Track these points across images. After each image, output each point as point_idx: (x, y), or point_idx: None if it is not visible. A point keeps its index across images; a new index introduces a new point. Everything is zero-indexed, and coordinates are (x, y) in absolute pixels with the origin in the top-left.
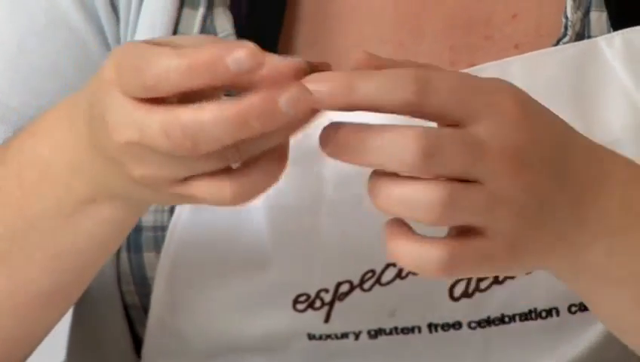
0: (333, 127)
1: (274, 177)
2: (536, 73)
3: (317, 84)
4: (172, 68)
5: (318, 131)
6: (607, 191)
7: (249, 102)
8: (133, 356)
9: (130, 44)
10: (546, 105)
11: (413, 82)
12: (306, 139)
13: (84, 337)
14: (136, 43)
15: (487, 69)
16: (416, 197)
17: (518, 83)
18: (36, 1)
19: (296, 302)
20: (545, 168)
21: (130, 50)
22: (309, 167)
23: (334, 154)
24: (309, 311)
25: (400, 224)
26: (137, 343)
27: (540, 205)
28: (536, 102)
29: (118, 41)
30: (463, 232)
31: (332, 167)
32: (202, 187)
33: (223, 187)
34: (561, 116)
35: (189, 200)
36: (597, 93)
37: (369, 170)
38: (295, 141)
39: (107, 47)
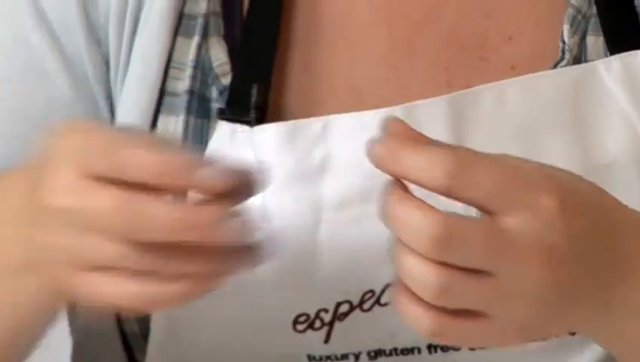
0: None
1: (184, 297)
2: (534, 95)
3: (373, 145)
4: (145, 162)
5: (318, 151)
6: (629, 262)
7: (200, 212)
8: None
9: (91, 123)
10: (547, 124)
11: (450, 169)
12: (306, 157)
13: None
14: (99, 124)
15: (484, 91)
16: (418, 272)
17: (516, 105)
18: (10, 44)
19: (296, 322)
20: (577, 260)
21: (98, 129)
22: (309, 188)
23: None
24: (309, 332)
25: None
26: None
27: (560, 295)
28: (579, 192)
29: (104, 81)
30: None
31: (332, 188)
32: (108, 284)
33: (128, 288)
34: (558, 139)
35: (79, 295)
36: (595, 116)
37: (369, 192)
38: (295, 161)
39: (79, 87)
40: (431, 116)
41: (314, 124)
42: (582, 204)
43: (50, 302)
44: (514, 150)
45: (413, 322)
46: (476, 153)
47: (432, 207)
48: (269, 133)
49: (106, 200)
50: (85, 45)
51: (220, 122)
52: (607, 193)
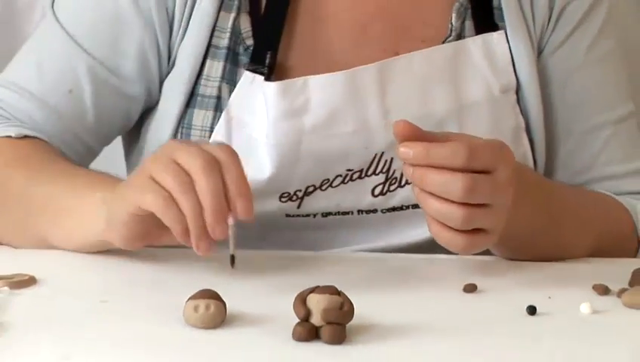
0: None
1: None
2: (431, 60)
3: (406, 149)
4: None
5: (301, 98)
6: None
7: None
8: None
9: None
10: (437, 79)
11: (466, 153)
12: (293, 102)
13: None
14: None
15: (401, 58)
16: (446, 210)
17: (420, 67)
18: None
19: (281, 196)
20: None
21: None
22: (295, 120)
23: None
24: (289, 202)
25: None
26: None
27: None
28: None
29: (168, 42)
30: None
31: (310, 120)
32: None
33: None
34: (443, 88)
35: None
36: (465, 74)
37: (333, 122)
38: (286, 104)
39: (148, 37)
40: (368, 75)
41: (298, 81)
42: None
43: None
44: (418, 95)
45: (448, 242)
46: (472, 139)
47: (456, 173)
48: (271, 86)
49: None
50: (156, 9)
51: (246, 72)
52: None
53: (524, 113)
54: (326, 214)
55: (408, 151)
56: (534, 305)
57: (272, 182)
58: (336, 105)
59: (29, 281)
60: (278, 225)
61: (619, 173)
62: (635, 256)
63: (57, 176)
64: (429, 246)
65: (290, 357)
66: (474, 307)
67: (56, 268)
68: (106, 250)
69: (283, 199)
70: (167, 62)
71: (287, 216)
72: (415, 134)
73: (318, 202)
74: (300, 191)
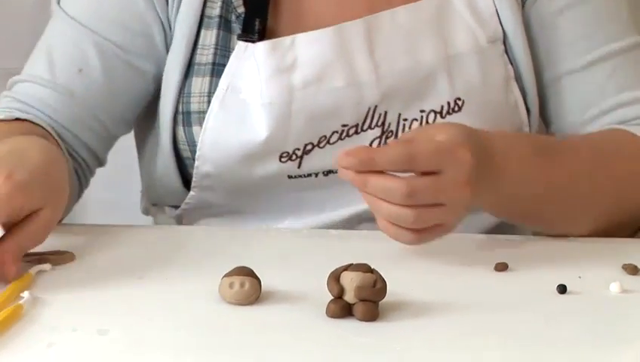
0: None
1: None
2: (416, 14)
3: (348, 158)
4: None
5: (290, 56)
6: (494, 157)
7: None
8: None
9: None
10: (423, 31)
11: (406, 159)
12: (282, 60)
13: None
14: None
15: (387, 13)
16: (395, 212)
17: (406, 20)
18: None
19: (281, 156)
20: (477, 178)
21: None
22: (285, 78)
23: (346, 176)
24: (289, 162)
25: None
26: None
27: (473, 197)
28: (476, 139)
29: (167, 15)
30: None
31: (299, 77)
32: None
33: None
34: (429, 41)
35: None
36: (450, 26)
37: (322, 78)
38: (276, 62)
39: (152, 11)
40: (355, 30)
41: (285, 40)
42: (474, 144)
43: None
44: (405, 48)
45: (396, 236)
46: (423, 143)
47: (396, 177)
48: (260, 47)
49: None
50: None
51: (239, 42)
52: (477, 129)
53: (512, 63)
54: (327, 173)
55: (352, 160)
56: (564, 284)
57: (270, 142)
58: (324, 61)
59: (68, 257)
60: (281, 187)
61: (632, 99)
62: None
63: None
64: None
65: (324, 333)
66: (505, 286)
67: (94, 245)
68: (143, 226)
69: (283, 159)
70: (170, 36)
71: (290, 177)
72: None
73: (318, 160)
74: (299, 149)
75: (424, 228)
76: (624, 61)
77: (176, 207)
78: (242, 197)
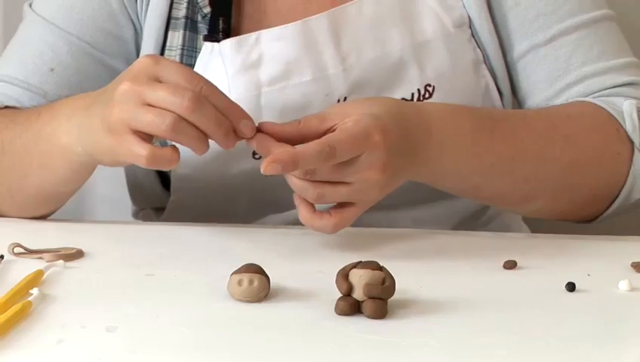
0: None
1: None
2: (381, 3)
3: (273, 165)
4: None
5: (255, 52)
6: (432, 133)
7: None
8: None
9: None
10: (389, 20)
11: (327, 155)
12: (248, 56)
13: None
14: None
15: (352, 5)
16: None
17: (371, 11)
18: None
19: (254, 153)
20: (397, 156)
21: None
22: (252, 74)
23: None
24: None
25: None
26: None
27: (393, 176)
28: (390, 121)
29: (137, 17)
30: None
31: (266, 72)
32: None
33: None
34: (396, 29)
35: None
36: (417, 14)
37: (288, 73)
38: (242, 59)
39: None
40: (320, 24)
41: (250, 36)
42: (391, 123)
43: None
44: (372, 38)
45: (316, 228)
46: (335, 135)
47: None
48: (226, 44)
49: (157, 87)
50: None
51: (205, 43)
52: (403, 102)
53: (480, 46)
54: None
55: (277, 166)
56: (573, 282)
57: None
58: (290, 56)
59: (77, 254)
60: (257, 184)
61: (598, 71)
62: (630, 160)
63: (24, 121)
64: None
65: (333, 331)
66: (514, 283)
67: (103, 242)
68: (152, 223)
69: (256, 156)
70: (141, 37)
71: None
72: (278, 135)
73: None
74: None
75: (338, 213)
76: (588, 34)
77: (163, 209)
78: (221, 197)
